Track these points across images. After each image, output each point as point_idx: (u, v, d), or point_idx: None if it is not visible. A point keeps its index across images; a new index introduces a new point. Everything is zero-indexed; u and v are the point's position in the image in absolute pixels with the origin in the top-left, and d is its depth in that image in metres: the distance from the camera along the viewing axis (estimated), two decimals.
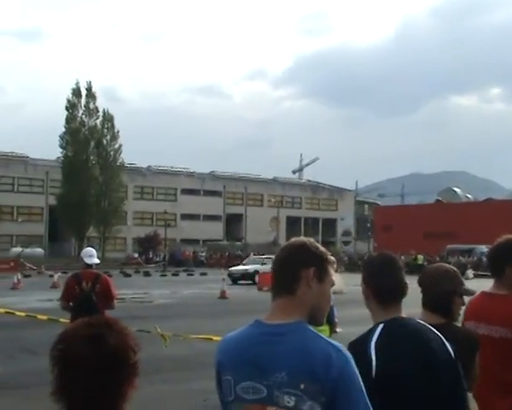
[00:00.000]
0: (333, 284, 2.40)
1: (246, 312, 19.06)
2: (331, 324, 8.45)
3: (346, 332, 8.38)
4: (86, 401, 1.75)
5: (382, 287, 2.90)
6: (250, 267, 41.50)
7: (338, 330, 9.11)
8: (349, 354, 2.22)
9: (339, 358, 2.17)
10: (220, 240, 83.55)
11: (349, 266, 55.81)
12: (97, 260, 9.08)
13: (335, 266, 2.50)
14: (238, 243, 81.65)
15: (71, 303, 8.74)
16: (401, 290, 2.92)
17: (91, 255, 9.09)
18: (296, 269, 2.32)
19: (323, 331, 3.79)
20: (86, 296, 8.57)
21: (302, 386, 2.15)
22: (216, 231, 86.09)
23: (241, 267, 43.06)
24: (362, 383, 2.19)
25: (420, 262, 52.66)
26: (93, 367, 1.73)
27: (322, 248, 2.41)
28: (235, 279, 40.89)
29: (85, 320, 1.85)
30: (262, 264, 40.47)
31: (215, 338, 10.83)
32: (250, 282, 38.88)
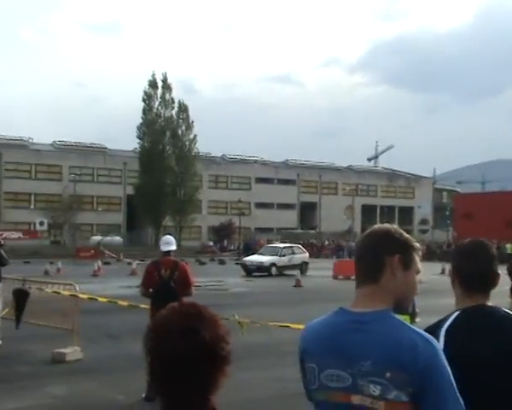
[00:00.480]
0: (419, 272, 2.35)
1: (321, 300, 19.04)
2: (412, 313, 8.31)
3: (424, 322, 8.23)
4: (179, 391, 1.78)
5: (470, 273, 2.77)
6: (266, 259, 36.74)
7: (417, 320, 8.96)
8: (438, 346, 2.17)
9: (426, 348, 2.12)
10: (294, 228, 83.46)
11: (427, 255, 54.79)
12: (172, 247, 9.22)
13: (421, 253, 2.43)
14: (312, 231, 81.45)
15: (150, 290, 8.94)
16: (491, 279, 2.80)
17: (167, 243, 9.27)
18: (380, 257, 2.27)
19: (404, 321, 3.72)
20: (165, 283, 8.74)
21: (388, 375, 2.11)
22: (290, 219, 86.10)
23: (255, 258, 37.73)
24: (452, 376, 2.14)
25: (509, 251, 51.29)
26: (186, 360, 1.75)
27: (407, 235, 2.36)
28: (250, 271, 36.20)
29: (178, 310, 1.85)
30: (280, 255, 37.04)
31: (293, 326, 10.86)
32: (266, 274, 35.50)
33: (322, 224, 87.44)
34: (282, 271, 36.12)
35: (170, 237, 9.57)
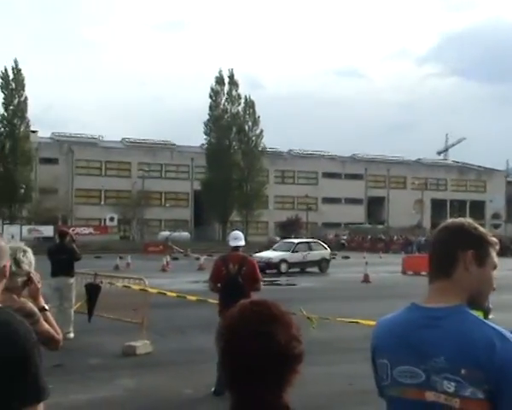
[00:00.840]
0: (495, 267, 2.26)
1: (390, 296, 18.77)
2: (485, 309, 8.10)
3: (498, 319, 7.99)
4: (251, 390, 1.76)
5: None
6: (276, 255, 34.36)
7: (490, 316, 8.72)
8: None
9: (504, 346, 2.04)
10: (362, 223, 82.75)
11: (500, 250, 53.38)
12: (240, 243, 9.24)
13: (498, 247, 2.34)
14: (380, 226, 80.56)
15: (219, 285, 8.99)
16: None
17: (236, 238, 9.31)
18: (453, 251, 2.21)
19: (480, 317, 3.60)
20: (233, 278, 8.77)
21: (463, 372, 2.05)
22: (357, 214, 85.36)
23: (265, 254, 35.00)
24: None
25: None
26: (259, 362, 1.74)
27: (482, 230, 2.28)
28: (260, 269, 34.17)
29: (251, 310, 1.83)
30: (293, 251, 34.64)
31: (362, 322, 10.73)
32: (275, 271, 32.46)
33: (390, 219, 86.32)
34: (294, 268, 33.58)
35: (238, 233, 9.61)
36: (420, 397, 2.13)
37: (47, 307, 4.12)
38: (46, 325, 4.00)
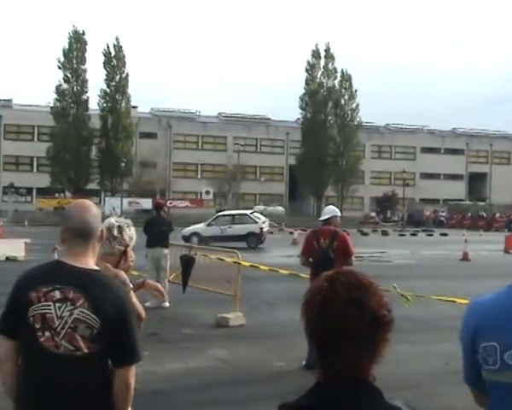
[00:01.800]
0: None
1: (490, 275, 18.10)
2: None
3: None
4: (342, 360, 1.75)
5: None
6: (188, 229, 32.49)
7: None
8: None
9: None
10: (462, 200, 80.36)
11: None
12: (326, 216, 9.18)
13: None
14: (481, 203, 77.95)
15: (310, 259, 8.91)
16: None
17: (325, 213, 9.32)
18: None
19: None
20: (323, 252, 8.68)
21: None
22: (457, 190, 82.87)
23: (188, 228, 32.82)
24: None
25: None
26: (353, 329, 1.72)
27: None
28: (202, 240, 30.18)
29: (338, 280, 1.80)
30: (208, 225, 32.55)
31: (459, 301, 10.40)
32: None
33: (492, 195, 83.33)
34: (211, 242, 27.66)
35: (329, 207, 9.60)
36: None
37: (131, 286, 4.16)
38: (135, 299, 4.05)
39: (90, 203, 3.16)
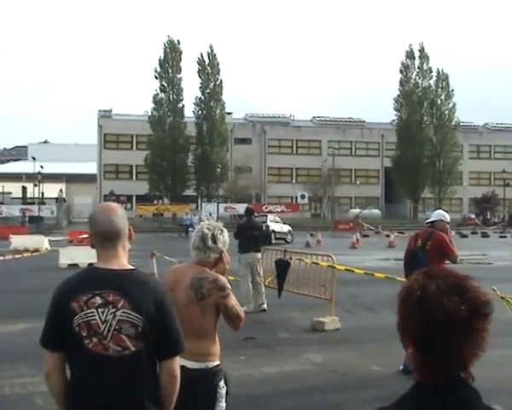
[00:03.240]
0: None
1: None
2: None
3: None
4: (446, 354, 1.76)
5: None
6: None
7: None
8: None
9: None
10: None
11: None
12: (434, 218, 9.10)
13: None
14: None
15: (404, 261, 8.90)
16: None
17: (431, 216, 9.35)
18: None
19: None
20: (414, 253, 8.64)
21: None
22: None
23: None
24: None
25: None
26: (453, 319, 1.73)
27: None
28: None
29: (435, 273, 1.83)
30: None
31: None
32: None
33: None
34: None
35: (437, 211, 9.63)
36: None
37: (229, 287, 4.23)
38: (235, 300, 4.16)
39: (114, 205, 3.20)
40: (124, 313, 2.87)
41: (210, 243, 4.16)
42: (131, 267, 3.03)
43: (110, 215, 3.05)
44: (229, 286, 4.22)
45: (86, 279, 2.98)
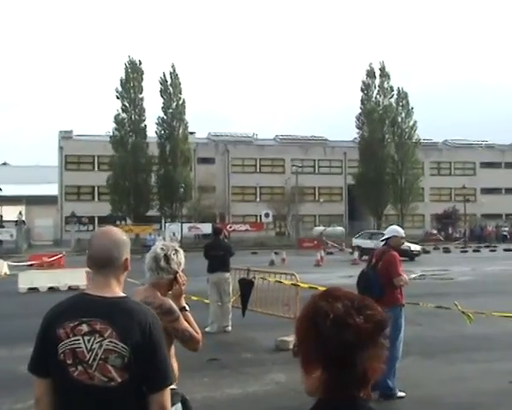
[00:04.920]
0: None
1: None
2: None
3: None
4: (340, 374, 1.81)
5: None
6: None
7: None
8: None
9: None
10: None
11: None
12: (387, 236, 9.11)
13: None
14: None
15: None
16: None
17: (385, 233, 9.30)
18: None
19: None
20: (364, 274, 8.72)
21: None
22: None
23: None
24: None
25: None
26: (350, 340, 1.79)
27: None
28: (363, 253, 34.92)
29: (332, 293, 1.90)
30: (369, 238, 35.29)
31: None
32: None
33: None
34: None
35: (390, 227, 9.55)
36: None
37: (187, 308, 4.21)
38: (185, 324, 4.08)
39: (114, 230, 3.09)
40: (110, 342, 2.80)
41: (163, 263, 4.09)
42: (123, 295, 2.96)
43: (105, 241, 2.96)
44: (186, 307, 4.17)
45: (74, 306, 2.91)
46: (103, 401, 2.80)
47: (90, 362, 2.79)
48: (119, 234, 3.06)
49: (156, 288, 4.13)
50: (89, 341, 2.80)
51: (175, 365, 4.03)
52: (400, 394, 8.37)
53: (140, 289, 4.26)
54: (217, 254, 13.99)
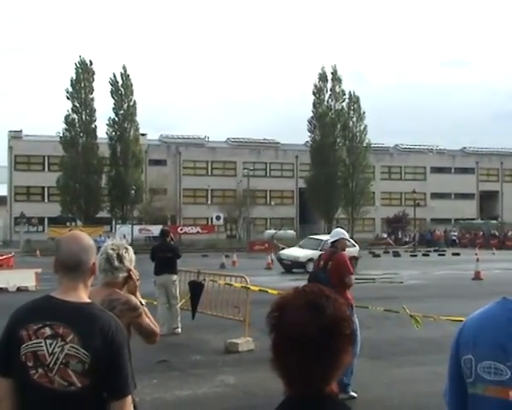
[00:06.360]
0: None
1: (503, 294, 17.89)
2: None
3: None
4: (302, 369, 1.78)
5: None
6: (303, 254, 31.26)
7: None
8: None
9: None
10: (473, 219, 79.97)
11: None
12: (332, 239, 9.27)
13: None
14: (493, 221, 77.49)
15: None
16: None
17: (332, 236, 9.46)
18: None
19: None
20: (314, 274, 8.82)
21: None
22: (468, 209, 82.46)
23: (291, 252, 32.82)
24: None
25: None
26: (310, 335, 1.75)
27: None
28: (287, 267, 31.90)
29: (300, 289, 1.87)
30: (322, 250, 32.13)
31: None
32: (302, 271, 29.14)
33: (504, 214, 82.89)
34: None
35: (336, 230, 9.69)
36: (503, 396, 2.00)
37: (143, 303, 4.25)
38: (147, 319, 4.15)
39: (82, 235, 3.11)
40: (72, 347, 2.78)
41: (116, 263, 4.11)
42: (88, 301, 2.95)
43: (73, 245, 2.98)
44: (143, 302, 4.20)
45: (39, 308, 2.90)
46: (62, 405, 2.79)
47: (50, 366, 2.79)
48: (87, 239, 3.09)
49: (111, 287, 4.12)
50: (51, 344, 2.79)
51: None
52: (352, 394, 8.41)
53: (97, 289, 4.18)
54: (164, 255, 13.94)
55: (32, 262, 32.93)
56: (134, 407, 4.01)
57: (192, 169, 75.98)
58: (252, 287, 12.82)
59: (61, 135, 61.39)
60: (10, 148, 70.49)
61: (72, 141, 60.85)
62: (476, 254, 36.41)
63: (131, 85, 63.37)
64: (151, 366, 9.84)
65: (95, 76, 62.39)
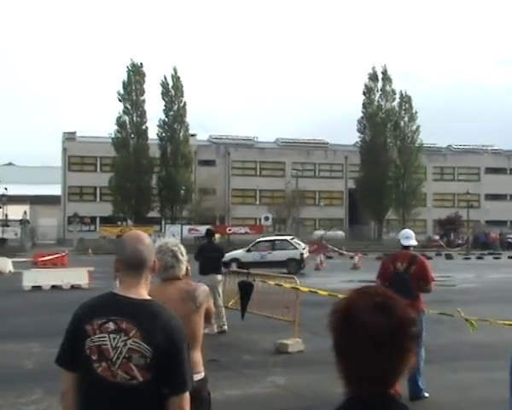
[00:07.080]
0: None
1: None
2: None
3: None
4: (372, 370, 1.77)
5: None
6: (229, 254, 29.11)
7: None
8: None
9: None
10: None
11: None
12: (412, 242, 9.04)
13: None
14: None
15: (386, 283, 8.70)
16: None
17: (407, 237, 9.12)
18: None
19: None
20: (399, 276, 8.53)
21: None
22: None
23: (231, 253, 31.46)
24: None
25: None
26: (382, 336, 1.75)
27: None
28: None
29: (365, 290, 1.87)
30: (248, 250, 32.42)
31: None
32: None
33: None
34: (254, 268, 23.55)
35: (409, 231, 9.38)
36: None
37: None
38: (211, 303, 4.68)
39: (143, 234, 3.23)
40: (134, 342, 2.88)
41: (180, 256, 4.40)
42: (149, 298, 3.06)
43: (137, 244, 3.10)
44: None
45: (103, 304, 3.02)
46: (124, 398, 2.88)
47: (113, 360, 2.88)
48: (148, 238, 3.23)
49: (172, 282, 4.36)
50: (114, 339, 2.89)
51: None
52: (426, 394, 8.40)
53: (156, 288, 4.21)
54: (210, 255, 13.99)
55: (85, 260, 33.56)
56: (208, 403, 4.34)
57: (241, 169, 76.19)
58: (302, 288, 12.75)
59: (113, 136, 62.36)
60: (64, 149, 72.01)
61: (124, 142, 61.75)
62: None
63: (182, 87, 63.94)
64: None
65: (146, 78, 63.27)
